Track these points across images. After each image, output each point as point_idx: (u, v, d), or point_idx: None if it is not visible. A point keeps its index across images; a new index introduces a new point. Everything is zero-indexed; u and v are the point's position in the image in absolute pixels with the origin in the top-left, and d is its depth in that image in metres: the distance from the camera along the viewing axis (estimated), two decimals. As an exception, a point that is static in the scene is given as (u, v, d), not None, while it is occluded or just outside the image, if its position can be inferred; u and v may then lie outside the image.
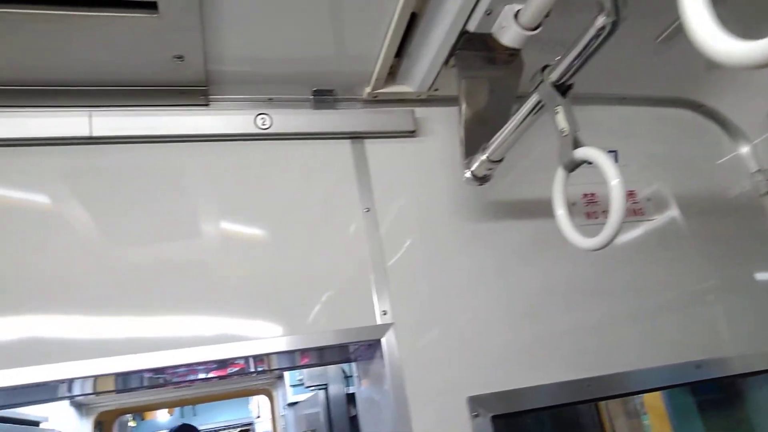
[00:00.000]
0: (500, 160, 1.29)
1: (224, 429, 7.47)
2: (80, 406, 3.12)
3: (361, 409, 1.59)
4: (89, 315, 1.24)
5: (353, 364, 1.69)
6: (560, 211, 1.03)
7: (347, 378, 2.56)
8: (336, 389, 2.51)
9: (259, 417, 5.97)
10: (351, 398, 2.54)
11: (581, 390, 1.41)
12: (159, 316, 1.27)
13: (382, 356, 1.36)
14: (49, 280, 1.24)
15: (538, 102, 1.09)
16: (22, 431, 2.03)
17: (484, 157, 1.28)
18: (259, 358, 1.45)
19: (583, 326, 1.51)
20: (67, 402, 2.86)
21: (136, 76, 1.38)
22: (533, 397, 1.37)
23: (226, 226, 1.40)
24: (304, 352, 1.45)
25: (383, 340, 1.35)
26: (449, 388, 1.35)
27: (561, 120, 0.99)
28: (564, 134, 0.99)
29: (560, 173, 1.04)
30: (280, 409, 3.44)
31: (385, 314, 1.38)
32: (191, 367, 1.37)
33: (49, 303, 1.22)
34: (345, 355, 1.59)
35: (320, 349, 1.43)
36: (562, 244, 1.56)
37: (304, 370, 2.61)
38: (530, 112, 1.13)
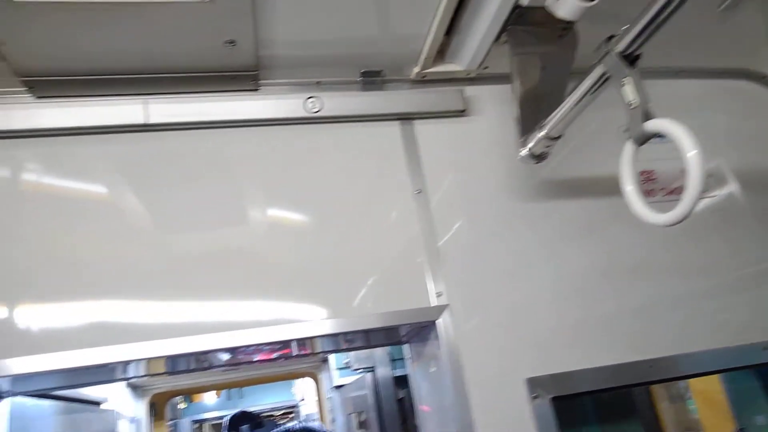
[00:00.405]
0: (559, 137, 1.25)
1: (269, 411, 7.65)
2: (136, 388, 3.23)
3: (417, 391, 1.59)
4: (142, 300, 1.26)
5: (404, 347, 1.69)
6: (629, 187, 0.99)
7: (394, 361, 2.57)
8: (383, 372, 2.52)
9: (303, 400, 6.08)
10: (398, 381, 2.56)
11: (642, 372, 1.37)
12: (208, 301, 1.29)
13: (437, 338, 1.35)
14: (105, 266, 1.27)
15: (603, 74, 1.05)
16: (85, 410, 2.11)
17: (542, 134, 1.25)
18: (308, 341, 1.46)
19: (640, 307, 1.47)
20: (123, 384, 2.96)
21: (189, 62, 1.39)
22: (593, 379, 1.34)
23: (275, 211, 1.40)
24: (355, 334, 1.45)
25: (438, 322, 1.34)
26: (506, 369, 1.33)
27: (629, 92, 0.95)
28: (633, 106, 0.95)
29: (629, 147, 1.00)
30: (326, 392, 3.48)
31: (440, 296, 1.37)
32: (239, 350, 1.39)
33: (105, 289, 1.26)
34: (396, 337, 1.59)
35: (372, 332, 1.43)
36: (620, 222, 1.53)
37: (351, 353, 2.64)
38: (593, 86, 1.09)
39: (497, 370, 1.33)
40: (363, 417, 2.75)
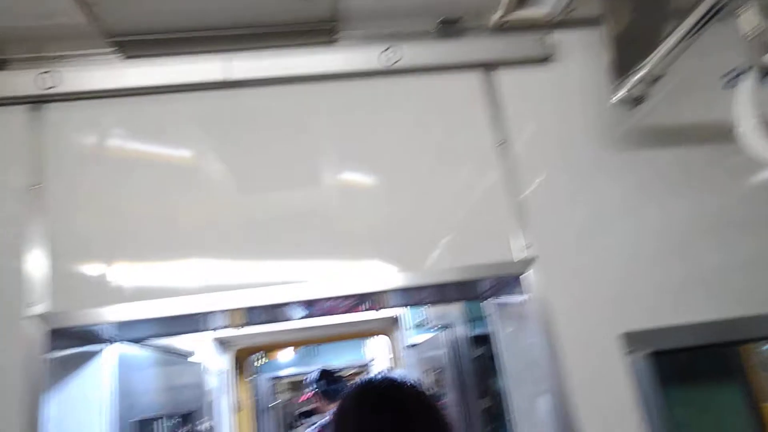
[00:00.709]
0: (659, 78, 1.16)
1: (340, 371, 7.87)
2: (221, 344, 3.40)
3: (499, 349, 1.57)
4: (224, 258, 1.30)
5: (484, 303, 1.66)
6: (749, 124, 0.91)
7: (471, 321, 2.56)
8: (460, 330, 2.52)
9: (373, 360, 6.23)
10: (475, 340, 2.54)
11: (748, 327, 1.29)
12: (286, 260, 1.31)
13: (523, 293, 1.32)
14: (189, 225, 1.32)
15: (714, 5, 0.95)
16: (177, 361, 2.24)
17: (642, 73, 1.16)
18: (387, 296, 1.46)
19: (740, 262, 1.37)
20: (210, 339, 3.12)
21: (267, 17, 1.39)
22: (693, 334, 1.28)
23: (352, 165, 1.40)
24: (436, 289, 1.44)
25: (525, 276, 1.31)
26: (599, 324, 1.29)
27: (749, 20, 0.85)
28: (753, 36, 0.86)
29: (749, 81, 0.91)
30: (399, 351, 3.53)
31: (526, 248, 1.33)
32: (315, 304, 1.41)
33: (190, 246, 1.30)
34: (475, 293, 1.56)
35: (454, 286, 1.42)
36: (724, 172, 1.42)
37: (428, 312, 2.65)
38: (702, 19, 1.00)
39: (589, 325, 1.29)
40: (439, 375, 2.77)
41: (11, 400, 1.14)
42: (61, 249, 1.26)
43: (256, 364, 6.19)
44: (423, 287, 1.31)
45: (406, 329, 3.20)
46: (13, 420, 1.13)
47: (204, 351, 2.87)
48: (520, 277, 1.32)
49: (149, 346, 1.94)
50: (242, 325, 1.64)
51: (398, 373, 1.12)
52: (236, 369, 3.71)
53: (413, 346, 3.28)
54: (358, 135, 1.42)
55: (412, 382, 1.09)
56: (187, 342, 2.53)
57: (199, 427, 2.36)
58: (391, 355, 3.79)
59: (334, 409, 1.10)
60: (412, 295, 1.52)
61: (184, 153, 1.38)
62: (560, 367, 1.24)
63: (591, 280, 1.32)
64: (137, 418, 1.64)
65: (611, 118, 1.44)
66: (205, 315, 1.33)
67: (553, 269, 1.32)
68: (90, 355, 1.45)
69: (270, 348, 3.99)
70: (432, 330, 2.69)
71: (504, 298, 1.53)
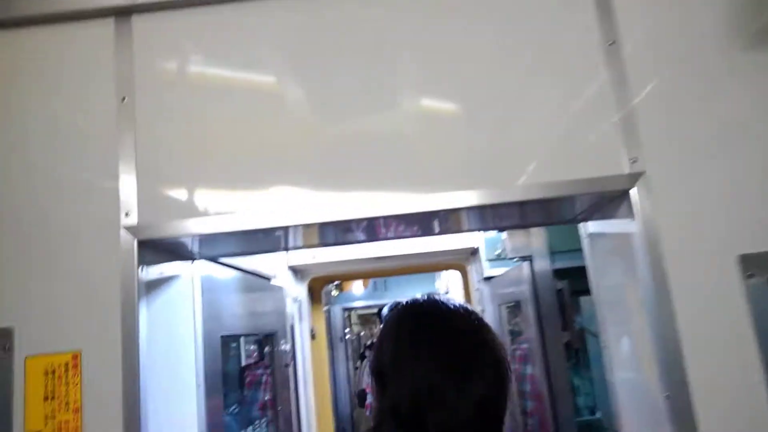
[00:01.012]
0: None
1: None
2: (296, 272, 3.48)
3: (594, 276, 1.47)
4: (297, 181, 1.25)
5: (581, 226, 1.54)
6: None
7: (553, 253, 2.45)
8: (540, 263, 2.42)
9: (447, 293, 6.25)
10: (555, 273, 2.44)
11: None
12: (362, 183, 1.24)
13: (628, 212, 1.19)
14: (263, 148, 1.26)
15: None
16: (259, 283, 2.29)
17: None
18: (475, 214, 1.37)
19: None
20: (286, 268, 3.19)
21: None
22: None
23: (435, 76, 1.27)
24: (531, 207, 1.34)
25: (633, 192, 1.18)
26: (714, 245, 1.15)
27: None
28: None
29: None
30: (474, 284, 3.48)
31: (634, 162, 1.19)
32: (391, 223, 1.33)
33: (263, 169, 1.25)
34: (571, 213, 1.44)
35: (548, 205, 1.30)
36: None
37: (506, 243, 2.55)
38: None
39: (703, 247, 1.15)
40: (515, 309, 2.71)
41: (113, 308, 1.17)
42: (148, 164, 1.25)
43: (332, 294, 6.34)
44: (515, 204, 1.21)
45: (484, 261, 3.13)
46: (115, 328, 1.16)
47: (282, 278, 2.93)
48: (625, 194, 1.19)
49: (233, 267, 1.98)
50: (320, 245, 1.61)
51: (443, 296, 1.01)
52: (310, 298, 3.79)
53: (489, 279, 3.21)
54: (445, 37, 1.29)
55: (460, 303, 0.97)
56: (268, 267, 2.58)
57: (279, 348, 2.44)
58: (463, 290, 3.74)
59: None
60: (501, 216, 1.42)
61: (266, 72, 1.31)
62: (667, 293, 1.13)
63: (704, 197, 1.17)
64: (223, 334, 1.69)
65: (745, 12, 1.23)
66: (283, 230, 1.30)
67: (663, 186, 1.18)
68: (177, 273, 1.47)
69: (343, 278, 4.05)
70: (511, 262, 2.60)
71: (601, 222, 1.41)
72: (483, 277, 3.21)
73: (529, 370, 2.60)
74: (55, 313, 1.18)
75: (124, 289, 1.17)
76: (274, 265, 2.81)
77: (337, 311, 6.73)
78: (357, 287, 6.76)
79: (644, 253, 1.16)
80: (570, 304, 2.40)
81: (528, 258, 2.45)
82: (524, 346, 2.69)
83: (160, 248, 1.33)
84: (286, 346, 2.51)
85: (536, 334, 2.39)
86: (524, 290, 2.47)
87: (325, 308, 4.78)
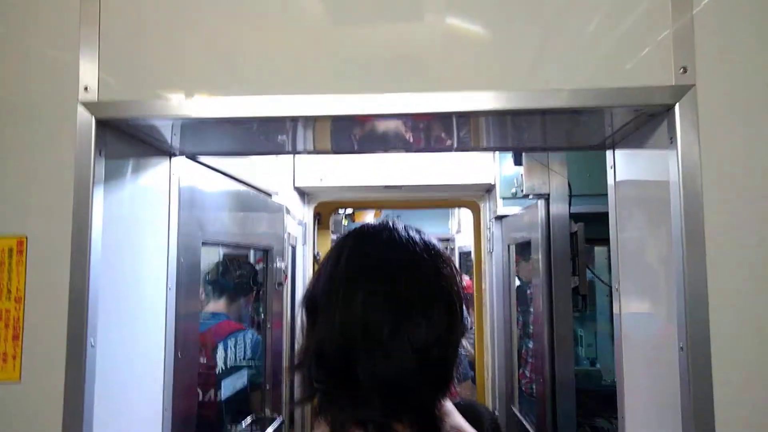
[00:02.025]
0: None
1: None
2: (303, 195, 3.36)
3: (617, 211, 1.30)
4: (299, 70, 1.07)
5: (609, 161, 1.35)
6: None
7: (571, 195, 2.27)
8: (558, 206, 2.25)
9: (458, 232, 6.12)
10: (572, 217, 2.28)
11: None
12: (375, 87, 1.06)
13: (668, 137, 1.01)
14: (264, 15, 1.08)
15: None
16: (257, 196, 2.16)
17: None
18: (490, 126, 1.19)
19: None
20: (291, 188, 3.06)
21: None
22: None
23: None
24: (552, 125, 1.16)
25: (677, 109, 0.99)
26: (760, 188, 0.97)
27: None
28: None
29: None
30: (486, 223, 3.34)
31: (683, 72, 0.99)
32: (407, 123, 1.16)
33: (262, 46, 1.08)
34: (601, 134, 1.25)
35: (573, 118, 1.11)
36: None
37: (524, 180, 2.37)
38: None
39: (747, 186, 0.98)
40: (526, 248, 2.56)
41: (65, 194, 1.04)
42: (114, 30, 1.08)
43: (343, 223, 6.27)
44: (537, 112, 1.03)
45: (498, 199, 2.96)
46: (66, 216, 1.04)
47: (287, 198, 2.81)
48: (666, 113, 1.00)
49: (228, 176, 1.85)
50: (327, 150, 1.45)
51: (407, 225, 0.82)
52: (318, 223, 3.69)
53: (501, 218, 3.06)
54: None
55: (419, 232, 0.81)
56: (271, 183, 2.46)
57: (274, 266, 2.34)
58: (474, 229, 3.60)
59: None
60: (521, 131, 1.24)
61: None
62: (701, 239, 0.96)
63: (762, 130, 0.98)
64: (205, 240, 1.57)
65: None
66: (284, 123, 1.13)
67: (713, 108, 0.99)
68: (154, 164, 1.33)
69: (352, 205, 3.92)
70: (526, 202, 2.43)
71: (632, 153, 1.22)
72: (495, 215, 3.06)
73: (532, 311, 2.49)
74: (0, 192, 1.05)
75: (79, 174, 1.04)
76: (277, 182, 2.68)
77: (347, 241, 6.67)
78: (368, 219, 6.65)
79: (680, 187, 0.98)
80: (582, 248, 2.24)
81: (545, 197, 2.27)
82: (530, 288, 2.56)
83: (128, 133, 1.18)
84: (281, 264, 2.41)
85: (545, 276, 2.25)
86: (537, 230, 2.31)
87: (335, 236, 4.70)
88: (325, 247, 3.89)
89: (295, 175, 3.07)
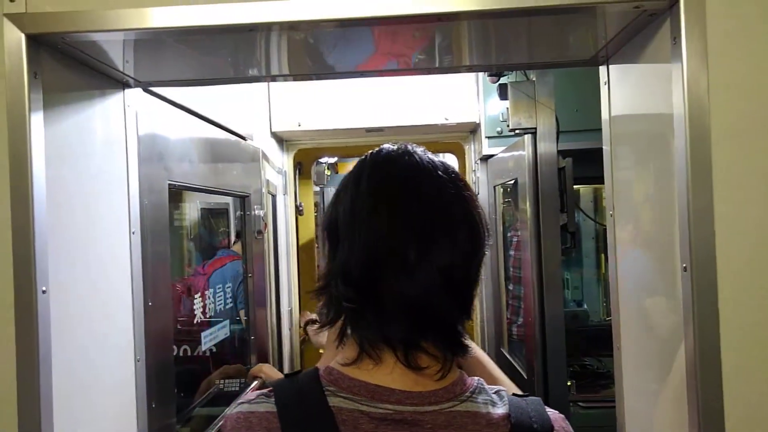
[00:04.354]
0: None
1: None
2: (281, 141, 3.23)
3: (612, 142, 1.21)
4: None
5: (602, 81, 1.25)
6: None
7: (558, 132, 2.18)
8: (546, 145, 2.15)
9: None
10: (560, 154, 2.19)
11: None
12: None
13: (669, 44, 0.91)
14: None
15: None
16: (229, 139, 2.04)
17: None
18: (477, 34, 1.07)
19: None
20: (268, 135, 2.93)
21: None
22: None
23: None
24: (536, 34, 1.05)
25: (680, 5, 0.88)
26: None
27: None
28: None
29: None
30: (471, 166, 3.25)
31: (688, -36, 0.88)
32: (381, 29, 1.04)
33: None
34: (594, 44, 1.13)
35: (570, 17, 0.99)
36: None
37: (510, 117, 2.26)
38: None
39: (760, 107, 0.88)
40: (513, 187, 2.49)
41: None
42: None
43: (326, 173, 6.16)
44: (520, 12, 0.92)
45: (483, 139, 2.86)
46: (1, 148, 0.92)
47: (263, 144, 2.69)
48: (669, 9, 0.89)
49: (194, 114, 1.72)
50: (303, 75, 1.33)
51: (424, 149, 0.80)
52: (299, 173, 3.58)
53: (488, 158, 2.97)
54: None
55: (439, 157, 0.79)
56: (244, 125, 2.33)
57: (252, 213, 2.24)
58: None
59: None
60: (506, 42, 1.13)
61: None
62: (708, 163, 0.88)
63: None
64: (171, 181, 1.46)
65: None
66: (244, 39, 1.02)
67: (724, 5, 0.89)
68: (107, 95, 1.21)
69: (332, 151, 3.79)
70: (512, 135, 2.33)
71: (628, 68, 1.12)
72: (481, 156, 2.97)
73: (520, 252, 2.43)
74: None
75: (11, 101, 0.92)
76: (253, 125, 2.55)
77: (330, 192, 6.60)
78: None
79: (684, 103, 0.89)
80: (571, 184, 2.17)
81: (531, 131, 2.18)
82: (518, 229, 2.50)
83: (71, 56, 1.05)
84: (260, 212, 2.31)
85: (532, 214, 2.18)
86: (524, 166, 2.22)
87: (318, 188, 4.60)
88: (307, 197, 3.78)
89: (272, 120, 2.94)
